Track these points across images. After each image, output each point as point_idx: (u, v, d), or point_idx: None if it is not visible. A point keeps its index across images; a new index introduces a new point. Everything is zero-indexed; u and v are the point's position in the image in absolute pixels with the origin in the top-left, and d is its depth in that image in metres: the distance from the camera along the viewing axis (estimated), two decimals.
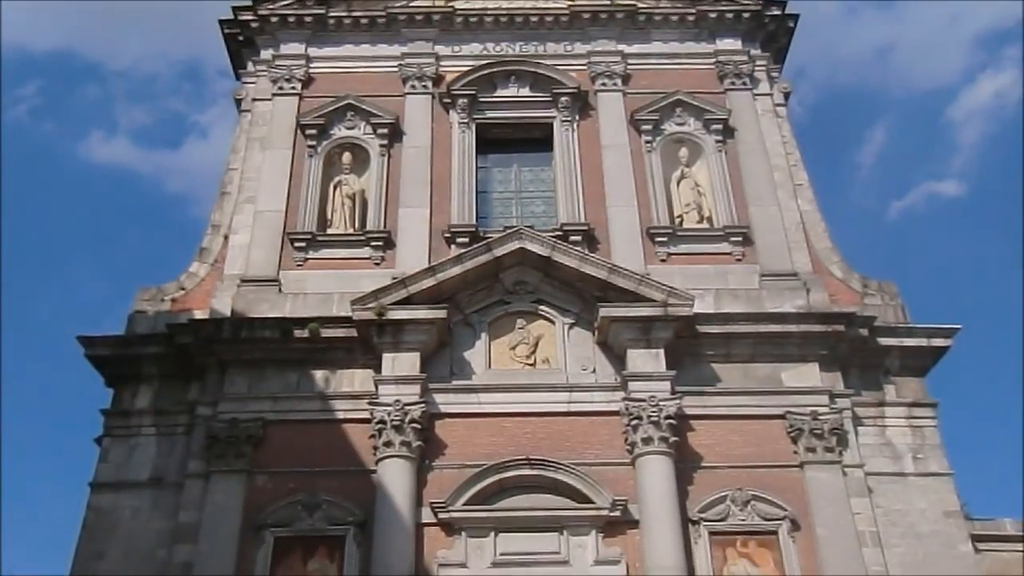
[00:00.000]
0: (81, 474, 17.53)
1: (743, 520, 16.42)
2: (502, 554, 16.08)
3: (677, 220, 20.19)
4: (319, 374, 17.80)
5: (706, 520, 16.39)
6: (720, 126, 21.13)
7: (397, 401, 16.90)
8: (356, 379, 17.75)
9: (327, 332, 17.73)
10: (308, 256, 19.52)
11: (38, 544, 51.81)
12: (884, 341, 18.26)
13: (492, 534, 16.23)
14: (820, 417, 17.13)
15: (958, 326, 18.32)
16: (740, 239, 19.68)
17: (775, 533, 16.34)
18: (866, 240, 53.94)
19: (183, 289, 19.17)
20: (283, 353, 17.77)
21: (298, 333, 17.68)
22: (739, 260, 19.53)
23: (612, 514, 16.25)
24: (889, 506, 16.85)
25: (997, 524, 22.50)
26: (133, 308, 18.81)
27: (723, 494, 16.58)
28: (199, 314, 18.36)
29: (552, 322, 18.42)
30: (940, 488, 17.17)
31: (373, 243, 19.56)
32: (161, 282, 19.30)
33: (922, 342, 18.33)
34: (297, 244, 19.55)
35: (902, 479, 17.20)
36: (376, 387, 17.26)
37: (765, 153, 20.97)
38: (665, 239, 19.69)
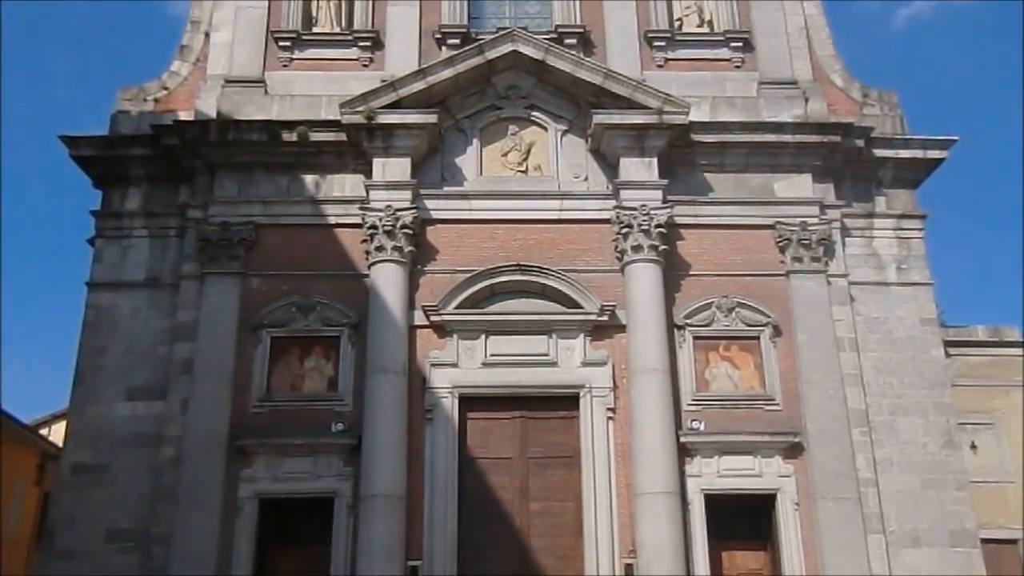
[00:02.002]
0: (79, 275, 17.74)
1: (727, 326, 16.95)
2: (492, 355, 16.65)
3: (676, 24, 19.43)
4: (309, 178, 17.67)
5: (691, 325, 16.91)
6: None
7: (388, 206, 16.90)
8: (347, 184, 17.65)
9: (316, 136, 17.43)
10: (294, 56, 18.83)
11: (42, 343, 53.37)
12: (879, 152, 18.17)
13: (483, 336, 16.73)
14: (809, 228, 17.30)
15: (955, 138, 18.21)
16: (740, 45, 19.07)
17: (757, 338, 16.93)
18: (870, 49, 52.45)
19: (166, 89, 18.61)
20: (272, 157, 17.54)
21: (286, 136, 17.38)
22: (738, 67, 19.02)
23: (600, 318, 16.71)
24: (869, 314, 17.39)
25: (969, 331, 23.48)
26: (116, 108, 18.35)
27: (709, 301, 17.02)
28: (184, 115, 17.95)
29: (545, 128, 18.14)
30: (920, 297, 17.65)
31: (361, 43, 18.83)
32: (142, 82, 18.71)
33: (917, 153, 18.25)
34: (282, 43, 18.81)
35: (884, 288, 17.65)
36: (367, 192, 17.20)
37: None
38: (663, 44, 19.03)
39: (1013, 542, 21.58)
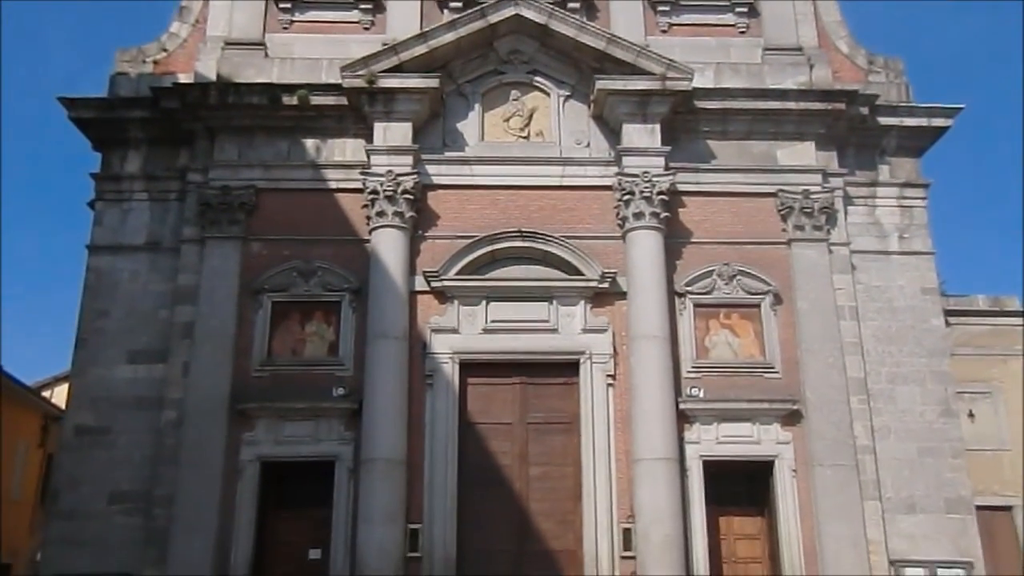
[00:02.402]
0: (79, 238, 17.74)
1: (728, 294, 16.96)
2: (493, 321, 16.68)
3: None
4: (310, 143, 17.57)
5: (692, 293, 16.92)
6: None
7: (389, 171, 16.82)
8: (347, 148, 17.55)
9: (316, 100, 17.31)
10: (294, 18, 18.63)
11: (44, 305, 53.47)
12: (884, 120, 18.05)
13: (483, 302, 16.74)
14: (812, 196, 17.24)
15: (961, 106, 18.07)
16: (745, 10, 18.87)
17: (758, 306, 16.95)
18: (876, 15, 51.85)
19: (165, 51, 18.44)
20: (272, 120, 17.43)
21: (287, 100, 17.25)
22: (743, 33, 18.84)
23: (601, 285, 16.71)
24: (870, 282, 17.39)
25: (970, 300, 23.50)
26: (114, 70, 18.20)
27: (710, 269, 17.01)
28: (183, 78, 17.80)
29: (547, 94, 18.00)
30: (921, 266, 17.64)
31: (362, 5, 18.61)
32: (141, 43, 18.53)
33: (922, 121, 18.13)
34: (282, 5, 18.60)
35: (885, 257, 17.64)
36: (368, 157, 17.11)
37: None
38: (667, 8, 18.82)
39: (1008, 509, 21.78)
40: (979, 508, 17.37)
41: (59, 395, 22.90)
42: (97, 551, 15.42)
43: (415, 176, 16.93)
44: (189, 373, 16.16)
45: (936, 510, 16.20)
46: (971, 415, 21.82)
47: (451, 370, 16.40)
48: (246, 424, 16.05)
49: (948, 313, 18.76)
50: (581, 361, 16.49)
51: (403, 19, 18.43)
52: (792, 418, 16.29)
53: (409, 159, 17.05)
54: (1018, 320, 23.24)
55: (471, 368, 16.56)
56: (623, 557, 15.41)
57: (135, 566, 15.34)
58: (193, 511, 15.33)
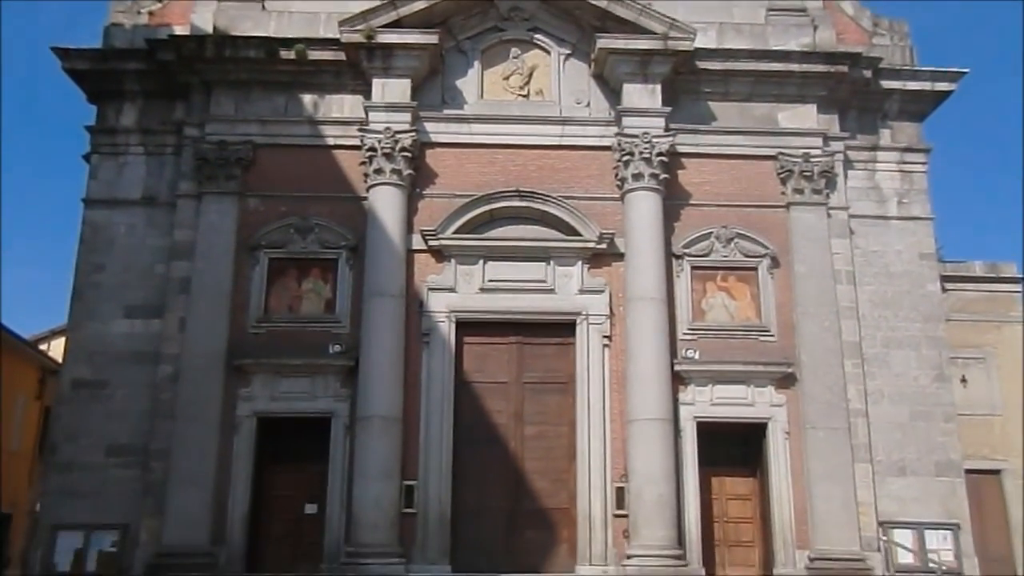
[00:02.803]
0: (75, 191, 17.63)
1: (725, 256, 16.96)
2: (490, 280, 16.68)
3: None
4: (307, 98, 17.41)
5: (689, 255, 16.91)
6: None
7: (387, 128, 16.69)
8: (345, 105, 17.40)
9: (314, 54, 17.11)
10: None
11: (40, 259, 53.37)
12: (887, 84, 17.91)
13: (481, 262, 16.72)
14: (812, 159, 17.16)
15: (965, 70, 17.92)
16: None
17: (755, 269, 16.95)
18: None
19: (160, 1, 18.17)
20: (269, 75, 17.25)
21: (284, 54, 17.06)
22: None
23: (599, 246, 16.69)
24: (867, 247, 17.40)
25: (967, 266, 23.48)
26: (108, 20, 17.95)
27: (708, 231, 16.99)
28: (179, 30, 17.57)
29: (547, 52, 17.81)
30: (919, 231, 17.64)
31: None
32: None
33: (926, 85, 18.00)
34: None
35: (884, 222, 17.62)
36: (366, 114, 16.96)
37: None
38: None
39: (996, 472, 22.00)
40: (969, 471, 17.54)
41: (56, 349, 22.92)
42: (95, 502, 15.59)
43: (413, 134, 16.80)
44: (185, 329, 16.18)
45: (926, 473, 16.39)
46: (964, 380, 21.91)
47: (447, 329, 16.44)
48: (242, 380, 16.11)
49: (945, 279, 18.77)
50: (577, 322, 16.53)
51: None
52: (786, 381, 16.39)
53: (407, 116, 16.90)
54: (1014, 286, 23.23)
55: (467, 327, 16.59)
56: (616, 516, 15.60)
57: (133, 517, 15.52)
58: (190, 465, 15.45)
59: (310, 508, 16.02)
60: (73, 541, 15.37)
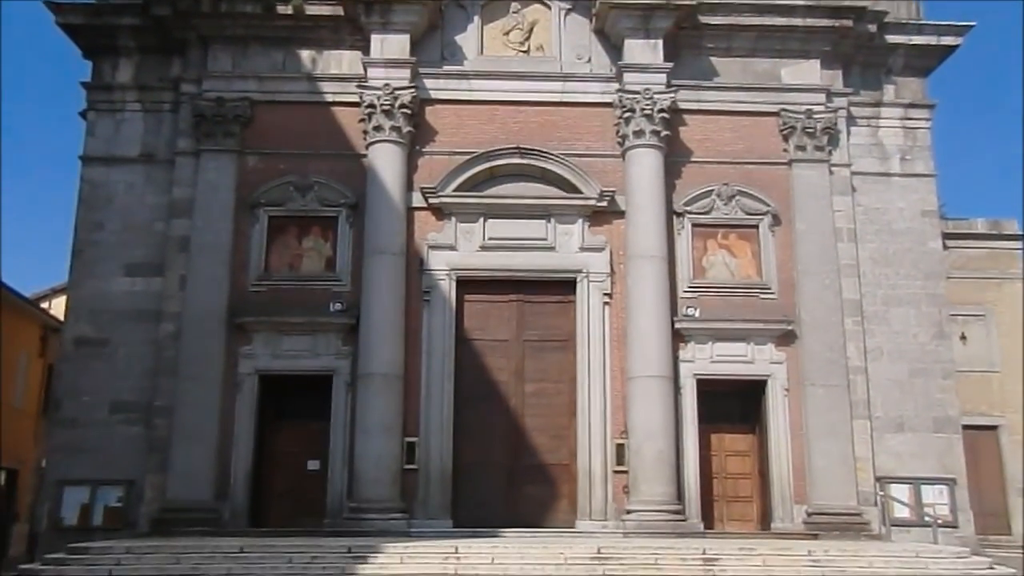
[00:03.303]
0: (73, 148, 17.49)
1: (726, 214, 16.90)
2: (490, 238, 16.64)
3: None
4: (305, 54, 17.21)
5: (690, 213, 16.84)
6: None
7: (387, 85, 16.52)
8: (344, 61, 17.21)
9: (312, 9, 16.90)
10: None
11: (40, 216, 53.21)
12: (892, 38, 17.67)
13: (481, 219, 16.67)
14: (815, 116, 17.01)
15: (971, 23, 17.64)
16: None
17: (756, 227, 16.90)
18: None
19: None
20: (267, 30, 17.04)
21: (281, 9, 16.84)
22: None
23: (599, 204, 16.62)
24: (869, 204, 17.31)
25: (969, 223, 23.43)
26: None
27: (709, 188, 16.90)
28: None
29: (548, 7, 17.58)
30: (921, 188, 17.53)
31: None
32: None
33: (931, 39, 17.75)
34: None
35: (886, 179, 17.51)
36: (365, 70, 16.78)
37: None
38: None
39: (994, 428, 22.21)
40: (966, 427, 17.70)
41: (57, 307, 22.95)
42: (100, 458, 15.74)
43: (413, 90, 16.64)
44: (186, 287, 16.20)
45: (924, 429, 16.50)
46: (963, 337, 22.01)
47: (448, 287, 16.45)
48: (244, 338, 16.16)
49: (946, 236, 18.76)
50: (578, 279, 16.53)
51: None
52: (786, 338, 16.43)
53: (407, 72, 16.72)
54: (1016, 243, 23.23)
55: (468, 285, 16.61)
56: (616, 471, 15.75)
57: (137, 473, 15.70)
58: (193, 422, 15.57)
59: (312, 465, 16.18)
60: (79, 496, 15.61)
